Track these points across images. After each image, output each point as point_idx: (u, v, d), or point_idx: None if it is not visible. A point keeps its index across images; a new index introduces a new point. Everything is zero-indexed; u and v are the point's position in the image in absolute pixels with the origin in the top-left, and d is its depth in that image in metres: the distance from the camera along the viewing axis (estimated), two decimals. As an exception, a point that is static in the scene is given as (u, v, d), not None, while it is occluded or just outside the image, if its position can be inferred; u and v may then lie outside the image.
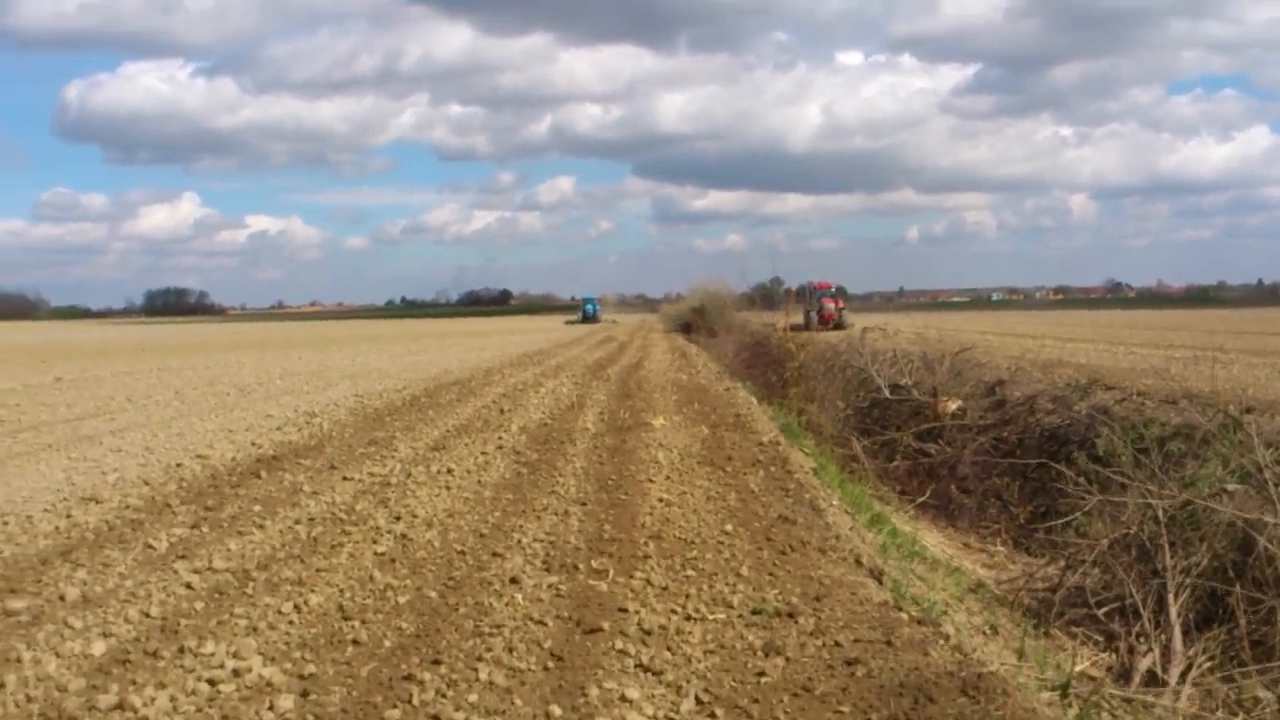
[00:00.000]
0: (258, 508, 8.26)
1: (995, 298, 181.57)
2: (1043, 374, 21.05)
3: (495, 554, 6.68)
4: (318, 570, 6.32)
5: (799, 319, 39.29)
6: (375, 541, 7.04)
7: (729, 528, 7.18)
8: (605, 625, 5.15)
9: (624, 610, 5.41)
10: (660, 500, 8.23)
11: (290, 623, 5.34)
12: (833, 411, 17.73)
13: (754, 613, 5.29)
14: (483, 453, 10.96)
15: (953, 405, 17.12)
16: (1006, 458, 15.92)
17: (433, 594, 5.80)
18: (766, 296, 31.29)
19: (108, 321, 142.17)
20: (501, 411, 14.91)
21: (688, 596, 5.62)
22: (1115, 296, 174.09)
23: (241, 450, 11.45)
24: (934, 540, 12.06)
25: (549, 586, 5.92)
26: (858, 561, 6.39)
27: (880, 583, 6.30)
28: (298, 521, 7.71)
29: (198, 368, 28.54)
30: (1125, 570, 9.40)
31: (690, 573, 6.09)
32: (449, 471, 9.80)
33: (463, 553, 6.73)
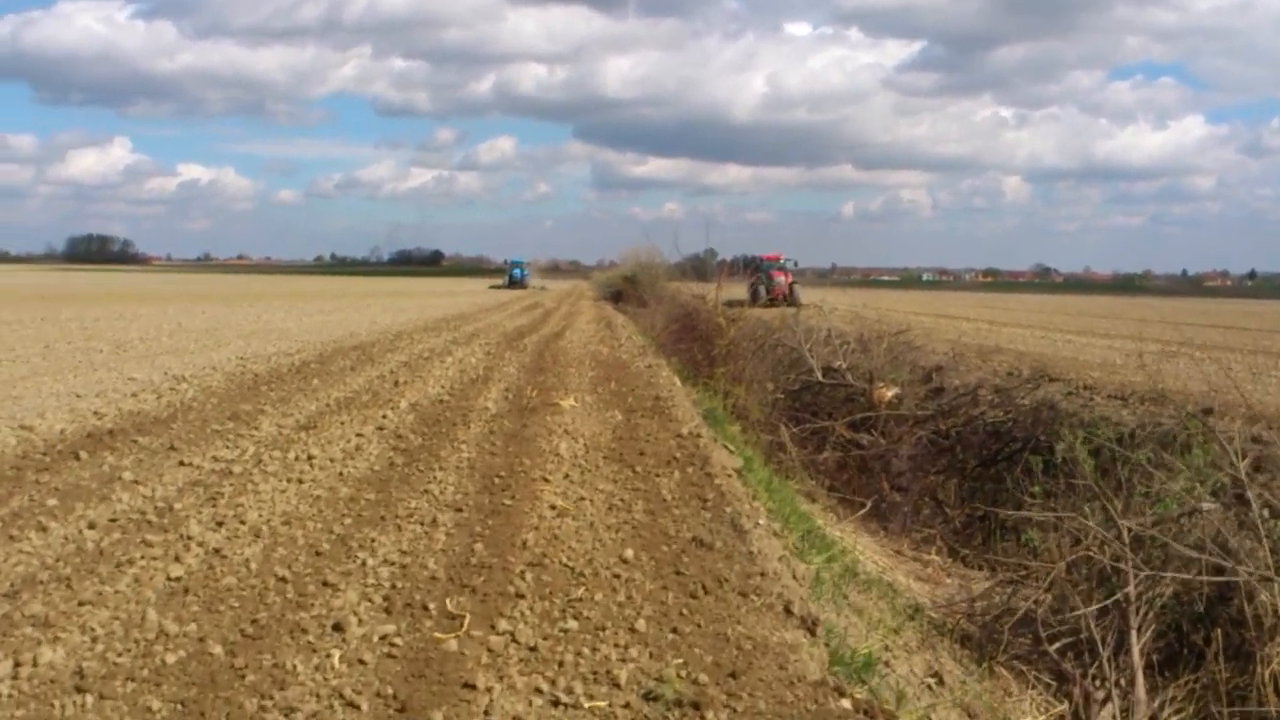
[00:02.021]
0: (52, 501, 6.65)
1: (926, 278, 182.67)
2: (981, 361, 19.97)
3: (326, 583, 5.19)
4: (81, 603, 4.77)
5: (741, 293, 37.13)
6: (178, 558, 5.50)
7: (630, 553, 5.75)
8: (439, 716, 3.71)
9: (471, 687, 3.96)
10: (552, 508, 6.79)
11: None
12: (761, 394, 16.40)
13: (647, 698, 3.87)
14: (358, 434, 9.42)
15: (889, 393, 15.88)
16: (945, 454, 14.77)
17: (218, 649, 4.29)
18: (699, 267, 29.86)
19: (21, 267, 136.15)
20: (396, 384, 13.33)
21: (561, 665, 4.19)
22: (1043, 281, 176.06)
23: (77, 421, 9.79)
24: (865, 547, 10.80)
25: (381, 639, 4.45)
26: (787, 610, 5.01)
27: (814, 635, 4.94)
28: (92, 524, 6.13)
29: (86, 320, 26.41)
30: (1082, 599, 8.18)
31: (571, 624, 4.65)
32: (309, 458, 8.25)
33: (284, 579, 5.23)
